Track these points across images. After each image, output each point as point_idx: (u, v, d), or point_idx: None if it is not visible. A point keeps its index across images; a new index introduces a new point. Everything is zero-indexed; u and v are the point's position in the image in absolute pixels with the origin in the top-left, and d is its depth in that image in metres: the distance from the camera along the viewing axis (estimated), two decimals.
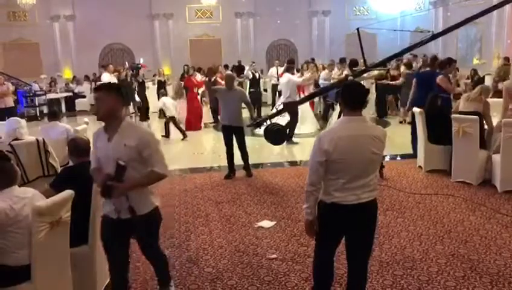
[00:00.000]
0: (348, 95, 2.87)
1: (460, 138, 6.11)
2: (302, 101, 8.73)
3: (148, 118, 13.45)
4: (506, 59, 12.08)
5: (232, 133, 6.83)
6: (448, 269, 3.83)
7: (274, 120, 6.99)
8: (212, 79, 11.39)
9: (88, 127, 6.91)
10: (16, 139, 5.29)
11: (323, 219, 2.91)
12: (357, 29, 6.80)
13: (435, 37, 6.42)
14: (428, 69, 8.86)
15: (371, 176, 2.84)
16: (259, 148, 8.59)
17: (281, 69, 14.58)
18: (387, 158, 7.61)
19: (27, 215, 2.81)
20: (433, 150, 6.73)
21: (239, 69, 12.99)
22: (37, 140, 5.34)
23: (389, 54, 6.71)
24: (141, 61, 14.63)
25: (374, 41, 18.32)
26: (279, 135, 6.68)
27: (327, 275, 3.10)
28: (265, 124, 6.84)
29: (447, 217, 5.00)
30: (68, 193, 3.04)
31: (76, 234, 3.24)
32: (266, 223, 4.96)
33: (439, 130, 6.57)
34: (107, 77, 12.24)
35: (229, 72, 10.10)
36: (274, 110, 9.92)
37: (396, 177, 6.59)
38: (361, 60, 6.69)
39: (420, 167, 6.99)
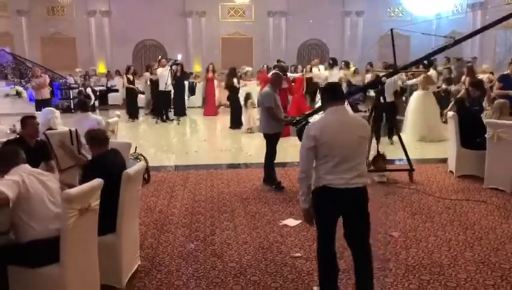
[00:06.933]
0: (329, 95, 3.16)
1: (495, 144, 5.93)
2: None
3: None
4: None
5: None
6: (477, 277, 3.71)
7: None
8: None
9: (119, 120, 7.05)
10: (50, 128, 5.43)
11: (317, 203, 3.08)
12: (391, 30, 6.71)
13: (456, 42, 6.25)
14: None
15: (358, 159, 3.03)
16: (286, 147, 8.55)
17: (317, 69, 14.35)
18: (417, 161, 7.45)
19: (37, 188, 3.00)
20: (465, 155, 6.56)
21: (282, 70, 12.07)
22: (70, 130, 5.45)
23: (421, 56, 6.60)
24: (179, 57, 14.67)
25: (408, 43, 17.96)
26: None
27: (331, 265, 3.18)
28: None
29: (478, 224, 4.86)
30: (97, 181, 3.11)
31: (104, 223, 3.30)
32: (291, 222, 4.93)
33: (471, 134, 6.42)
34: (161, 71, 12.99)
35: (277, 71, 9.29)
36: None
37: (426, 182, 6.44)
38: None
39: (451, 171, 6.81)
